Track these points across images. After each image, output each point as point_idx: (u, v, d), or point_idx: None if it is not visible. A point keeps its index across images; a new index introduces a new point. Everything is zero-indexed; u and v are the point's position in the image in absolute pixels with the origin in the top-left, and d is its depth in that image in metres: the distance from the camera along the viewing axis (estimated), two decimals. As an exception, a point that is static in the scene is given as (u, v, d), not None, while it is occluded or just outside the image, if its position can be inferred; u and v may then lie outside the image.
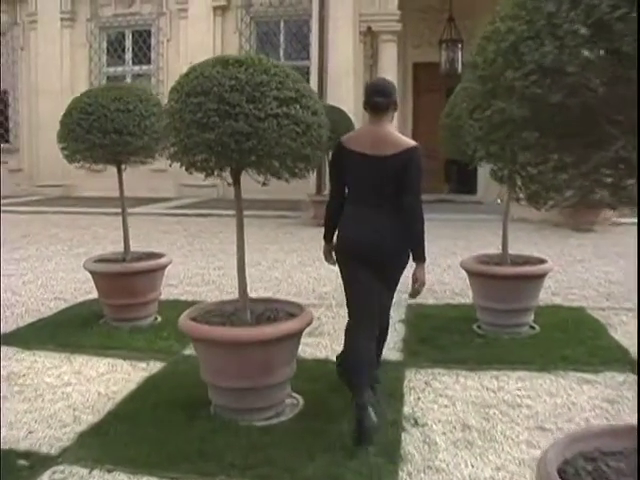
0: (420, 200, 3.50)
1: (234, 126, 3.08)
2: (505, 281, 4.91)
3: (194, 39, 15.10)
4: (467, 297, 6.33)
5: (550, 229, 11.35)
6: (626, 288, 6.80)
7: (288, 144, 3.18)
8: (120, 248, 5.82)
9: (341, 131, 11.22)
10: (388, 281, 3.65)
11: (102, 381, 4.32)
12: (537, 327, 5.18)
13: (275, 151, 3.15)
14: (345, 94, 11.75)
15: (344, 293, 3.68)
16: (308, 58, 13.26)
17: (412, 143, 3.58)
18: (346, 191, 3.66)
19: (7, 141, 17.54)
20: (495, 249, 9.35)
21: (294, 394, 3.81)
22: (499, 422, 3.59)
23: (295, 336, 3.55)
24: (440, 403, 3.85)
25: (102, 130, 4.98)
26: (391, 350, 4.74)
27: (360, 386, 3.33)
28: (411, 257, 3.61)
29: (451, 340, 4.91)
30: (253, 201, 15.11)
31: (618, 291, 6.71)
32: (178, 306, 6.05)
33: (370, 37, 12.97)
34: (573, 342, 4.86)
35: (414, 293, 3.61)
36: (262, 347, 3.39)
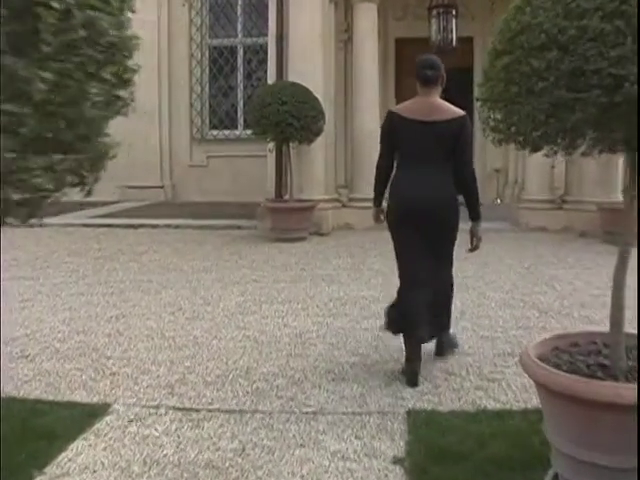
0: (472, 162, 3.95)
1: None
2: (628, 414, 2.28)
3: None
4: (507, 385, 3.75)
5: (576, 241, 8.82)
6: None
7: None
8: None
9: (307, 114, 8.56)
10: (444, 240, 3.88)
11: None
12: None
13: None
14: (312, 70, 9.01)
15: (395, 259, 3.95)
16: (270, 34, 10.57)
17: (462, 112, 3.87)
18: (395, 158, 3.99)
19: None
20: (515, 269, 6.23)
21: None
22: None
23: None
24: None
25: None
26: None
27: (412, 338, 3.78)
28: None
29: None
30: (194, 205, 12.53)
31: None
32: None
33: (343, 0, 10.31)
34: None
35: (474, 249, 4.01)
36: None
